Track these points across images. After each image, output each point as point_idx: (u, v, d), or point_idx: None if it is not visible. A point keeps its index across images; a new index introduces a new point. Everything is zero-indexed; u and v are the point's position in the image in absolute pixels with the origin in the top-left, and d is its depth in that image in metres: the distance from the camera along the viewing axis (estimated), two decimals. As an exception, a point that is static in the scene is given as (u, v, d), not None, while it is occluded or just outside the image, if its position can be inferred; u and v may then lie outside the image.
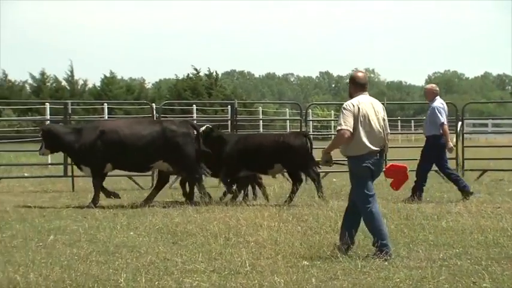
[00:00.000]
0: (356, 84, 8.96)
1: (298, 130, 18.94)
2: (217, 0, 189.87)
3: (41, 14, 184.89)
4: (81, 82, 59.06)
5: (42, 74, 57.60)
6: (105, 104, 30.01)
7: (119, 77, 64.24)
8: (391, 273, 7.75)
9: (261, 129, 37.69)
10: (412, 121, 56.71)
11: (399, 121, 44.30)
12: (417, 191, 14.14)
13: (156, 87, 71.68)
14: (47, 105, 27.34)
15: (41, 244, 9.60)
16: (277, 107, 63.92)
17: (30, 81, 57.97)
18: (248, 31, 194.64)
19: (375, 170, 8.80)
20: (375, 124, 8.77)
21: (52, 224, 11.37)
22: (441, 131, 14.22)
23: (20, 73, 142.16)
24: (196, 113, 35.55)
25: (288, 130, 39.39)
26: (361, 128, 8.67)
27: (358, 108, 8.71)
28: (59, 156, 16.57)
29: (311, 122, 35.37)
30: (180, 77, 59.96)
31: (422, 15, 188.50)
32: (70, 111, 18.10)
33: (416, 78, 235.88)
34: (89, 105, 44.20)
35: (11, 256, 8.76)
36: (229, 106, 27.75)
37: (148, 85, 74.08)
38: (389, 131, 9.01)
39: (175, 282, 7.48)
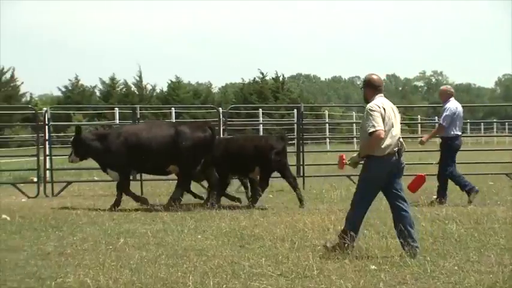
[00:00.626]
0: (372, 87, 9.02)
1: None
2: (283, 1, 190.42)
3: (111, 20, 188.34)
4: (149, 87, 59.67)
5: (112, 79, 58.37)
6: (173, 108, 30.24)
7: (185, 81, 64.84)
8: (461, 278, 7.62)
9: (327, 133, 37.58)
10: (482, 124, 56.66)
11: (468, 124, 43.70)
12: (468, 193, 14.02)
13: (223, 92, 71.96)
14: (116, 110, 27.71)
15: (110, 247, 9.72)
16: (343, 110, 63.58)
17: (100, 86, 58.73)
18: (314, 35, 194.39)
19: (396, 170, 8.78)
20: (396, 126, 8.81)
21: (121, 227, 11.52)
22: (452, 133, 14.01)
23: (90, 78, 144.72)
24: (263, 117, 35.60)
25: (355, 134, 39.21)
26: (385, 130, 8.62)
27: (384, 109, 8.70)
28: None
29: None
30: (247, 81, 60.23)
31: (491, 16, 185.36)
32: (138, 116, 18.31)
33: (486, 80, 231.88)
34: (156, 109, 44.71)
35: (81, 259, 8.90)
36: (295, 110, 27.71)
37: (215, 89, 74.46)
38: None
39: (243, 285, 7.50)
